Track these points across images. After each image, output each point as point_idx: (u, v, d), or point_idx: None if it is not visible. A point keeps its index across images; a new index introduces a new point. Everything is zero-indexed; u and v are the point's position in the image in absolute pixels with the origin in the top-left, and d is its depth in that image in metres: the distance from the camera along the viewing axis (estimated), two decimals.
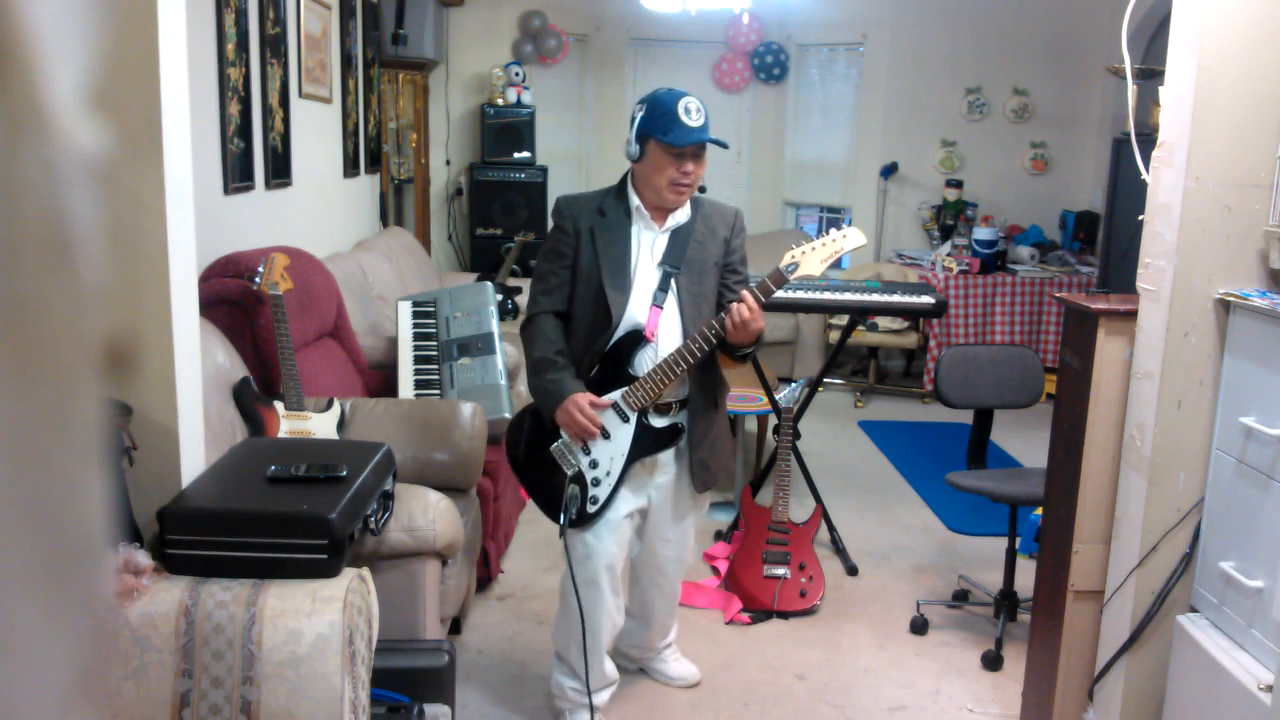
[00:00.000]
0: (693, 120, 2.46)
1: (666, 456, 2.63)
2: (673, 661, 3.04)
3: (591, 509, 2.57)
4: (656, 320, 2.53)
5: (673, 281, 2.55)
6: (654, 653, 3.02)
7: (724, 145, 2.52)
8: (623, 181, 2.62)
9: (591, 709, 2.71)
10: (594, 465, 2.56)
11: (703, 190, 2.59)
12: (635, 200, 2.56)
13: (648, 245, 2.57)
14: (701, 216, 2.61)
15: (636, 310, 2.52)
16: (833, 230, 2.58)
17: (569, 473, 2.57)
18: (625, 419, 2.55)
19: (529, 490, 2.71)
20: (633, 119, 2.55)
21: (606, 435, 2.55)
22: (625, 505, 2.61)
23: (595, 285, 2.53)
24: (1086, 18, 6.65)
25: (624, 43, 7.23)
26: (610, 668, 2.79)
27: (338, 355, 3.58)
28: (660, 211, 2.57)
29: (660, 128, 2.46)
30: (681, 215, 2.58)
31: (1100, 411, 2.41)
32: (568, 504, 2.54)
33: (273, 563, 2.00)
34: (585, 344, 2.55)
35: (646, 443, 2.57)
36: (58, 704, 0.39)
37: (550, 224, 2.64)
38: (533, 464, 2.65)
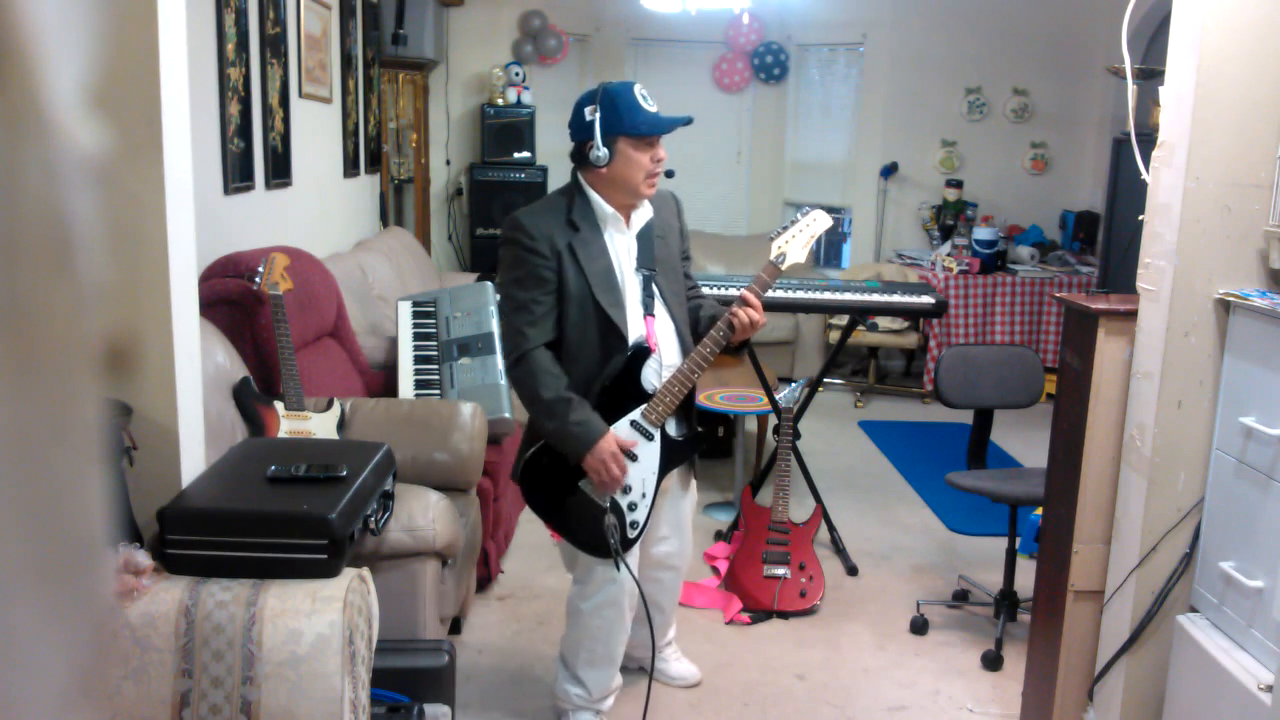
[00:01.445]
0: (651, 105, 2.42)
1: None
2: (673, 661, 3.04)
3: (633, 533, 2.51)
4: (652, 329, 2.49)
5: (654, 285, 2.51)
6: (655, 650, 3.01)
7: (689, 121, 2.45)
8: (579, 186, 2.49)
9: None
10: (626, 491, 2.48)
11: (670, 175, 2.52)
12: (607, 207, 2.46)
13: (624, 251, 2.49)
14: (655, 210, 2.57)
15: (633, 323, 2.47)
16: (798, 217, 2.60)
17: (604, 504, 2.47)
18: (650, 437, 2.49)
19: (563, 534, 2.56)
20: (585, 124, 2.41)
21: (634, 458, 2.48)
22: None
23: (590, 307, 2.41)
24: (1086, 18, 6.65)
25: (624, 43, 7.22)
26: (618, 678, 2.79)
27: (338, 355, 3.58)
28: (627, 211, 2.50)
29: (629, 123, 2.38)
30: (645, 212, 2.53)
31: (1100, 411, 2.41)
32: (611, 536, 2.44)
33: (273, 563, 2.00)
34: (595, 369, 2.45)
35: (672, 457, 2.55)
36: (58, 704, 0.39)
37: (515, 246, 2.41)
38: (560, 505, 2.52)
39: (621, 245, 2.49)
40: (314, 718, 1.87)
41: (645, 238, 2.52)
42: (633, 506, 2.49)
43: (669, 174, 2.51)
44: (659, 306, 2.52)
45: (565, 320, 2.42)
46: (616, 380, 2.46)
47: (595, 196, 2.46)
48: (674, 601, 2.94)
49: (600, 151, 2.39)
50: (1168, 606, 2.30)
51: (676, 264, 2.59)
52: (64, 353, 0.39)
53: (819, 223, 2.59)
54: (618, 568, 2.47)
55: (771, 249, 2.55)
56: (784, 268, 2.53)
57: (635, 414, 2.47)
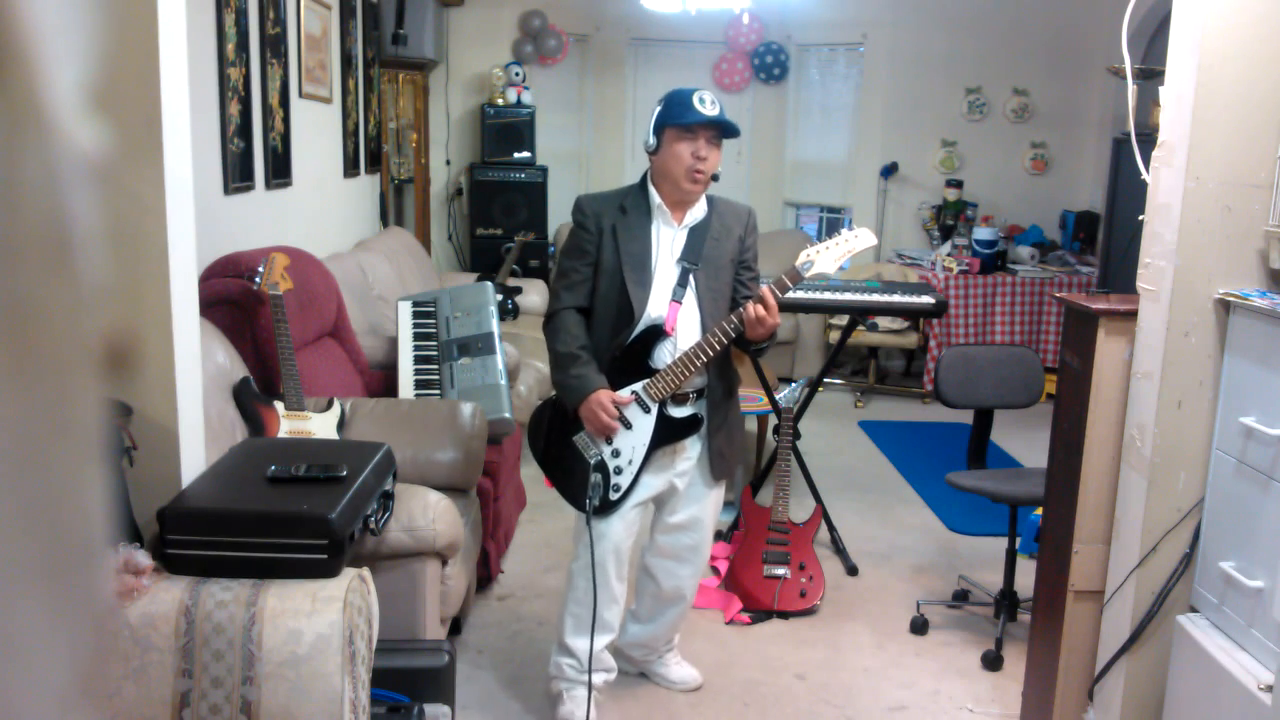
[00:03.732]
0: (707, 109, 2.55)
1: (690, 441, 2.68)
2: (674, 665, 3.03)
3: (614, 496, 2.63)
4: (675, 315, 2.59)
5: (691, 277, 2.61)
6: (656, 654, 3.01)
7: (735, 132, 2.60)
8: (643, 180, 2.69)
9: (590, 686, 2.72)
10: (616, 454, 2.62)
11: (715, 179, 2.63)
12: (656, 198, 2.63)
13: (667, 241, 2.64)
14: (717, 214, 2.68)
15: (656, 305, 2.59)
16: (844, 230, 2.67)
17: (591, 461, 2.62)
18: (646, 410, 2.61)
19: (553, 480, 2.76)
20: (651, 116, 2.63)
21: (628, 425, 2.61)
22: (644, 492, 2.67)
23: (617, 281, 2.59)
24: (1086, 18, 6.64)
25: (624, 43, 7.23)
26: (608, 658, 2.82)
27: (338, 355, 3.58)
28: (679, 208, 2.64)
29: (676, 115, 2.56)
30: (698, 212, 2.65)
31: (1100, 411, 2.41)
32: (591, 492, 2.60)
33: (273, 563, 2.00)
34: (608, 338, 2.62)
35: (666, 432, 2.63)
36: (58, 704, 0.39)
37: (572, 223, 2.72)
38: (556, 454, 2.71)
39: (666, 236, 2.64)
40: (314, 718, 1.87)
41: (697, 235, 2.65)
42: (618, 470, 2.63)
43: (714, 177, 2.62)
44: (689, 297, 2.62)
45: (596, 291, 2.64)
46: (626, 352, 2.60)
47: (651, 188, 2.65)
48: (691, 595, 2.92)
49: (650, 140, 2.62)
50: (1168, 606, 2.30)
51: (724, 265, 2.66)
52: (64, 353, 0.39)
53: (860, 240, 2.63)
54: (587, 521, 2.62)
55: (800, 255, 2.61)
56: (807, 275, 2.57)
57: (637, 386, 2.61)
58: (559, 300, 2.68)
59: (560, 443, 2.68)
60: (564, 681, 2.79)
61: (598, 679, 2.79)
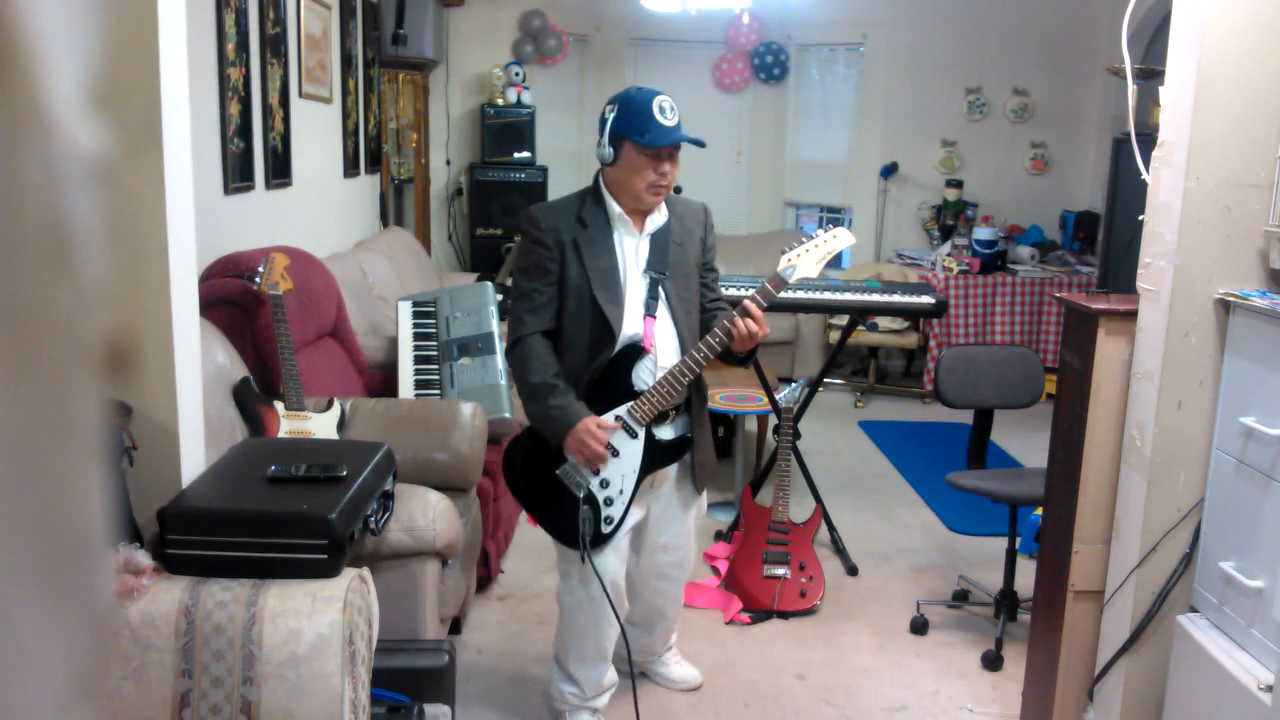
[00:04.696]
0: (668, 120, 2.41)
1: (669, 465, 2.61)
2: (674, 664, 3.03)
3: (607, 529, 2.51)
4: (651, 330, 2.48)
5: (661, 288, 2.50)
6: (655, 656, 3.01)
7: (701, 144, 2.46)
8: (596, 186, 2.54)
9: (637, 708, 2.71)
10: (605, 485, 2.50)
11: (678, 191, 2.54)
12: (615, 207, 2.49)
13: (631, 252, 2.51)
14: (676, 216, 2.56)
15: (631, 322, 2.47)
16: (820, 231, 2.56)
17: (579, 494, 2.49)
18: (633, 434, 2.49)
19: (537, 518, 2.62)
20: (603, 120, 2.47)
21: (615, 453, 2.48)
22: (632, 519, 2.58)
23: (587, 300, 2.45)
24: (1086, 18, 6.65)
25: (624, 43, 7.22)
26: (611, 674, 2.79)
27: (338, 355, 3.58)
28: (639, 215, 2.51)
29: (636, 128, 2.40)
30: (659, 217, 2.53)
31: (1100, 411, 2.41)
32: (583, 526, 2.47)
33: (273, 563, 2.00)
34: (584, 361, 2.48)
35: (656, 457, 2.53)
36: (57, 704, 0.39)
37: (525, 238, 2.51)
38: (537, 491, 2.57)
39: (630, 246, 2.51)
40: (314, 718, 1.87)
41: (660, 241, 2.52)
42: (609, 501, 2.50)
43: (676, 190, 2.52)
44: (662, 309, 2.50)
45: (563, 311, 2.47)
46: (605, 375, 2.47)
47: (607, 197, 2.50)
48: (677, 608, 2.92)
49: (605, 150, 2.46)
50: (1168, 606, 2.30)
51: (690, 269, 2.56)
52: (64, 353, 0.39)
53: (839, 240, 2.54)
54: (584, 560, 2.50)
55: (780, 260, 2.52)
56: (791, 280, 2.49)
57: (621, 410, 2.48)
58: (523, 325, 2.47)
59: (543, 479, 2.53)
60: (565, 704, 2.77)
61: (602, 700, 2.78)
